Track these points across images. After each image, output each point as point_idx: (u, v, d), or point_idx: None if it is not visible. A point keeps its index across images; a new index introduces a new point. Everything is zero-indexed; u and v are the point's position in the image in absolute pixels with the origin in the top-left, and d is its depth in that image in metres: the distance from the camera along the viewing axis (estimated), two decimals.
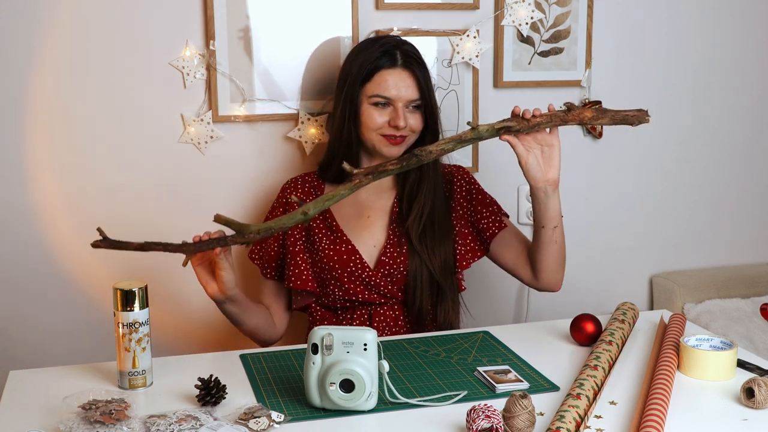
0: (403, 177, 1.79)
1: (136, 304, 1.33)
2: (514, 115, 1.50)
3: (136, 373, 1.34)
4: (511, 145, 1.53)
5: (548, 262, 1.70)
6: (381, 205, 1.80)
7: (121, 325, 1.33)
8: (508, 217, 1.85)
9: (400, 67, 1.71)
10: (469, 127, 1.45)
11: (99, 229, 1.39)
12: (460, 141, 1.45)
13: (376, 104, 1.72)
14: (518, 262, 1.80)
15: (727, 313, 2.28)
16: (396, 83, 1.70)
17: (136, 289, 1.33)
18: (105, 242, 1.39)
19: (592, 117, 1.45)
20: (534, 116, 1.48)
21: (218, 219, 1.41)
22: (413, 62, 1.72)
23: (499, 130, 1.46)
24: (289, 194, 1.81)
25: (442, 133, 1.81)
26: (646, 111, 1.45)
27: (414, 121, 1.73)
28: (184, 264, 1.44)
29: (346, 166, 1.42)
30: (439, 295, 1.77)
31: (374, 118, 1.72)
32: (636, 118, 1.45)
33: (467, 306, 1.88)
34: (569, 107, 1.44)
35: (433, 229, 1.75)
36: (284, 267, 1.76)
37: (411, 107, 1.73)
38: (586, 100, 2.21)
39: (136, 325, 1.34)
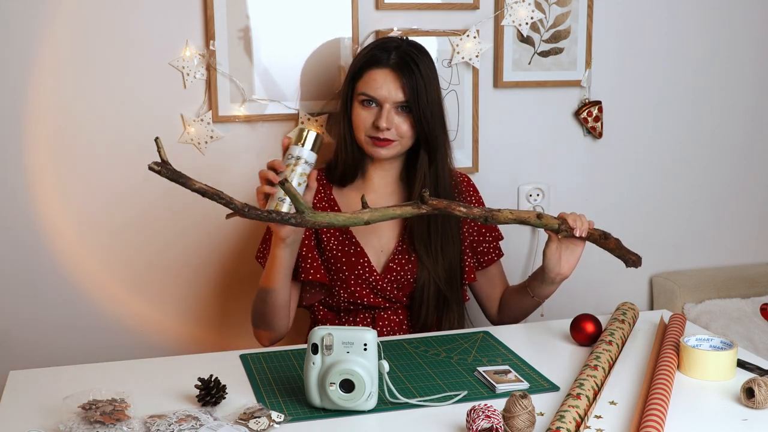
0: (412, 185, 1.74)
1: (309, 144, 1.46)
2: (567, 223, 1.57)
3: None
4: (550, 238, 1.61)
5: (517, 317, 1.83)
6: None
7: (289, 156, 1.47)
8: (502, 239, 1.88)
9: (390, 68, 1.66)
10: (537, 212, 1.55)
11: (157, 140, 1.22)
12: (486, 215, 1.47)
13: (363, 102, 1.69)
14: (492, 297, 1.88)
15: (727, 313, 2.28)
16: (383, 83, 1.66)
17: (315, 133, 1.47)
18: (165, 169, 1.22)
19: (612, 246, 1.61)
20: (580, 235, 1.55)
21: (286, 187, 1.29)
22: (406, 65, 1.66)
23: (556, 230, 1.56)
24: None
25: (449, 142, 1.78)
26: (641, 259, 1.65)
27: (403, 126, 1.67)
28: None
29: (364, 199, 1.38)
30: (445, 306, 1.76)
31: (361, 117, 1.69)
32: (633, 261, 1.64)
33: (468, 313, 1.87)
34: (606, 236, 1.60)
35: (440, 239, 1.73)
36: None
37: (400, 110, 1.68)
38: (586, 101, 2.21)
39: (300, 159, 1.46)
